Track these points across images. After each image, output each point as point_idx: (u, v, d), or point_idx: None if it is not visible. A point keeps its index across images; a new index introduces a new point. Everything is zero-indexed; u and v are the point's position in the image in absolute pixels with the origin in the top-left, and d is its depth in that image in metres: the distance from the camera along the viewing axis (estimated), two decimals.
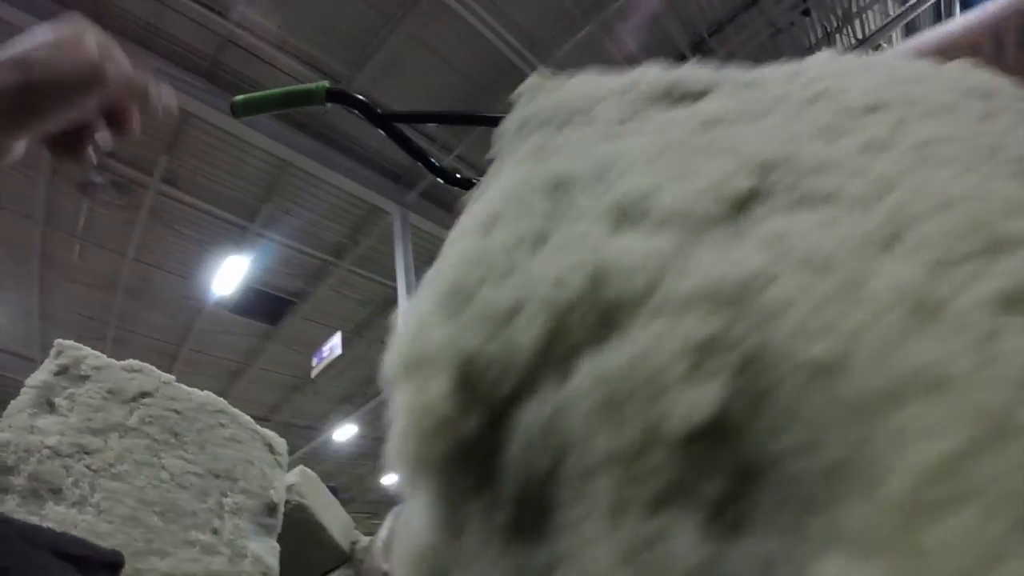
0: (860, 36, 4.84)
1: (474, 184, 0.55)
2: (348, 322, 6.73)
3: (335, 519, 1.98)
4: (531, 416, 0.28)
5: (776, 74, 0.40)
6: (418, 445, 0.29)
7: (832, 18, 4.66)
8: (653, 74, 0.41)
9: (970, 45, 0.87)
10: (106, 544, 0.43)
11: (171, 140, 4.88)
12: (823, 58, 0.42)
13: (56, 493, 0.45)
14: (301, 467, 2.10)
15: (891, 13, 4.77)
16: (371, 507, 10.13)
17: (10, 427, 0.46)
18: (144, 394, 0.51)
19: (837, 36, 4.76)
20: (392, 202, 5.16)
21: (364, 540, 2.05)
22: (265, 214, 5.54)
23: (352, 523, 2.29)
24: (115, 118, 0.53)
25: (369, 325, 6.83)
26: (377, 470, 10.15)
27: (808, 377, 0.22)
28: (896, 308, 0.22)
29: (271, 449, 0.55)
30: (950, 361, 0.21)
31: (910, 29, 4.71)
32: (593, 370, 0.26)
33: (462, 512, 0.30)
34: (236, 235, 5.77)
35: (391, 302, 5.71)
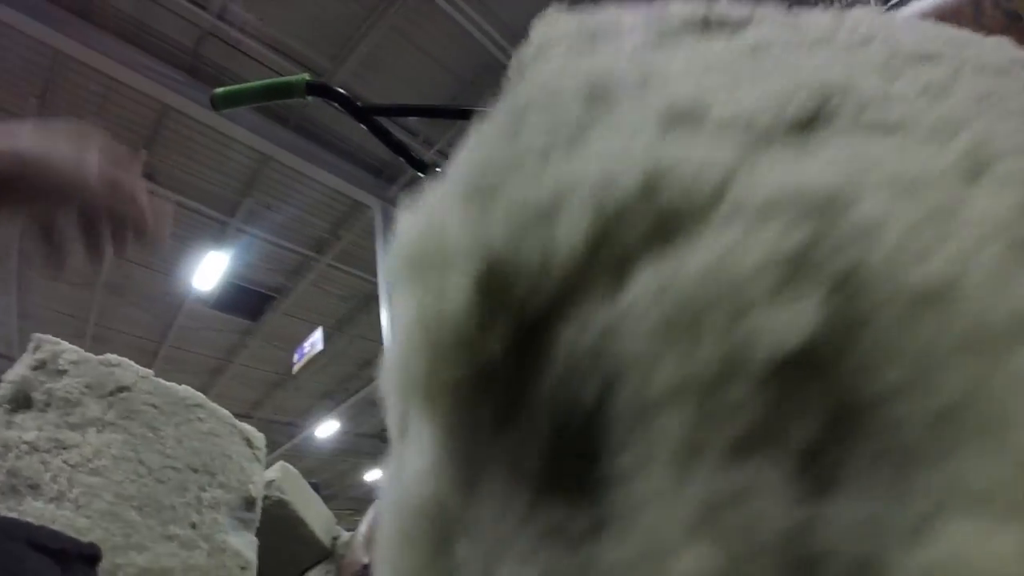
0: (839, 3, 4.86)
1: None
2: (329, 318, 6.70)
3: (316, 515, 1.98)
4: (573, 336, 0.22)
5: (818, 17, 0.36)
6: (429, 366, 0.24)
7: None
8: (685, 5, 0.36)
9: (952, 11, 0.89)
10: (84, 539, 0.44)
11: (151, 135, 4.84)
12: (863, 11, 0.38)
13: (34, 488, 0.45)
14: (282, 463, 2.10)
15: None
16: (353, 503, 10.11)
17: None
18: (122, 388, 0.51)
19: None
20: (373, 197, 5.15)
21: (345, 535, 2.05)
22: (245, 209, 5.50)
23: (333, 518, 2.29)
24: (108, 227, 0.53)
25: (350, 321, 6.81)
26: (359, 466, 10.13)
27: (913, 304, 0.19)
28: (996, 240, 0.19)
29: (249, 443, 0.55)
30: None
31: None
32: (656, 280, 0.21)
33: (478, 457, 0.25)
34: (216, 230, 5.73)
35: (372, 297, 5.70)
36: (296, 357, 6.75)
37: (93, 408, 0.52)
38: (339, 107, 1.20)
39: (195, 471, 0.51)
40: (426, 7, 4.10)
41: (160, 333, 6.97)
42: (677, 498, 0.19)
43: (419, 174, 1.20)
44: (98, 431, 0.50)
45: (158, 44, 4.27)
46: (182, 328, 6.89)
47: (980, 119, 0.25)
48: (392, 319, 0.28)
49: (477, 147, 0.29)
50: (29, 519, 0.42)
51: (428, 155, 4.76)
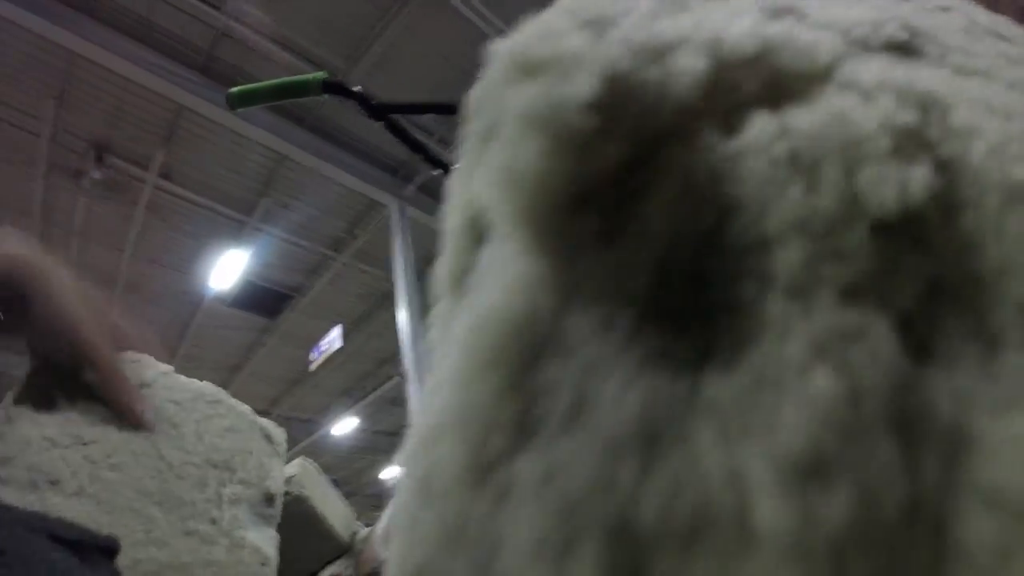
0: None
1: None
2: (347, 316, 6.73)
3: (335, 510, 1.99)
4: (691, 159, 0.22)
5: None
6: (541, 166, 0.22)
7: None
8: None
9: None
10: (103, 533, 0.44)
11: (167, 135, 4.87)
12: None
13: (55, 484, 0.45)
14: (301, 458, 2.11)
15: None
16: (371, 500, 10.15)
17: (8, 418, 0.46)
18: (142, 385, 0.51)
19: None
20: (390, 195, 5.16)
21: (364, 531, 2.06)
22: (263, 208, 5.53)
23: (352, 514, 2.30)
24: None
25: (368, 318, 6.83)
26: (376, 464, 10.17)
27: (1012, 197, 0.19)
28: None
29: (269, 439, 0.55)
30: None
31: None
32: (775, 124, 0.21)
33: (579, 276, 0.23)
34: (234, 229, 5.77)
35: (389, 295, 5.70)
36: (314, 355, 6.78)
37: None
38: (355, 105, 1.20)
39: (215, 467, 0.51)
40: (439, 6, 4.10)
41: (179, 331, 7.03)
42: (795, 327, 0.19)
43: (436, 172, 1.19)
44: (118, 427, 0.50)
45: (173, 45, 4.30)
46: (200, 326, 6.94)
47: None
48: (481, 133, 0.25)
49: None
50: (46, 512, 0.43)
51: (444, 153, 4.74)
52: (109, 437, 0.53)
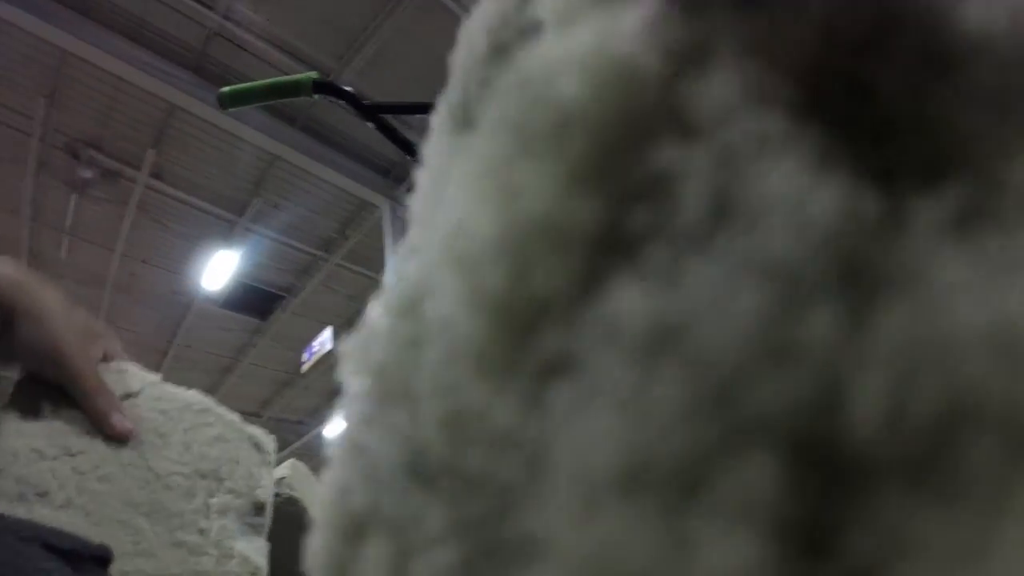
0: None
1: None
2: (338, 317, 6.71)
3: None
4: None
5: None
6: None
7: None
8: None
9: None
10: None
11: (158, 134, 4.85)
12: None
13: (43, 496, 0.45)
14: (292, 460, 2.10)
15: None
16: None
17: None
18: (129, 395, 0.50)
19: None
20: (381, 196, 5.15)
21: None
22: (254, 208, 5.51)
23: None
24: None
25: (359, 320, 6.80)
26: None
27: None
28: None
29: (258, 447, 0.54)
30: None
31: None
32: None
33: (712, 17, 0.16)
34: (225, 230, 5.75)
35: None
36: (305, 356, 6.76)
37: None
38: (346, 105, 1.20)
39: (203, 477, 0.51)
40: (432, 6, 4.09)
41: (169, 332, 7.00)
42: None
43: None
44: (106, 438, 0.50)
45: (165, 44, 4.28)
46: (191, 327, 6.91)
47: None
48: None
49: None
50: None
51: None
52: (97, 448, 0.52)
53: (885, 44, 0.15)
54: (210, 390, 0.62)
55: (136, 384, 0.57)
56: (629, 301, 0.13)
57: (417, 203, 0.25)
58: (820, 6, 0.15)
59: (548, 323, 0.14)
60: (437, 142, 0.25)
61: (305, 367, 6.82)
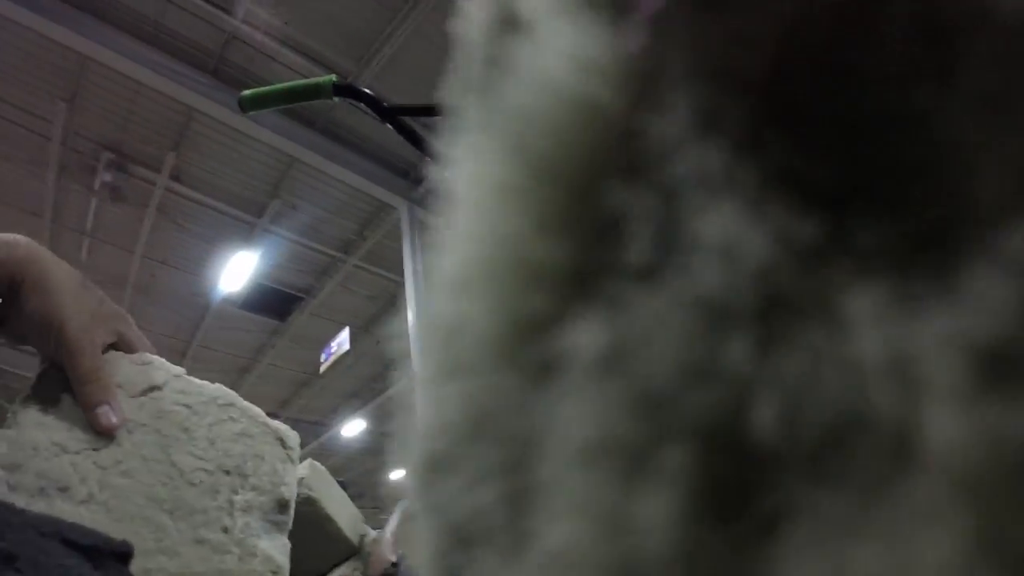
0: None
1: None
2: (356, 318, 6.73)
3: (344, 512, 1.98)
4: None
5: None
6: None
7: None
8: None
9: None
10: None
11: (178, 137, 4.88)
12: None
13: (64, 491, 0.44)
14: (310, 460, 2.10)
15: None
16: (379, 502, 10.15)
17: (18, 423, 0.45)
18: (154, 387, 0.50)
19: None
20: (400, 197, 5.15)
21: (372, 533, 2.06)
22: (273, 210, 5.54)
23: (361, 516, 2.29)
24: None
25: (377, 321, 6.82)
26: (385, 466, 10.17)
27: None
28: None
29: (283, 444, 0.53)
30: None
31: None
32: None
33: (668, 37, 0.17)
34: (244, 231, 5.77)
35: (399, 297, 5.70)
36: (323, 357, 6.78)
37: (124, 408, 0.51)
38: (366, 108, 1.20)
39: (227, 473, 0.50)
40: (448, 7, 4.08)
41: (189, 333, 7.04)
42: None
43: None
44: (129, 431, 0.49)
45: (183, 48, 4.31)
46: (210, 328, 6.95)
47: None
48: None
49: None
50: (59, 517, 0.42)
51: None
52: (119, 442, 0.51)
53: (872, 14, 0.15)
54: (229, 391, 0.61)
55: (160, 377, 0.56)
56: (587, 333, 0.16)
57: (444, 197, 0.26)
58: None
59: (534, 339, 0.18)
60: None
61: (323, 367, 6.84)
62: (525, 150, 0.17)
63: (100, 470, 0.50)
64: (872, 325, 0.14)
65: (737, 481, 0.15)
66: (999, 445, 0.12)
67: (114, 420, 0.52)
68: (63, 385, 0.51)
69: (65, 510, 0.47)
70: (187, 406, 0.56)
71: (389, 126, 1.19)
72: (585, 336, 0.16)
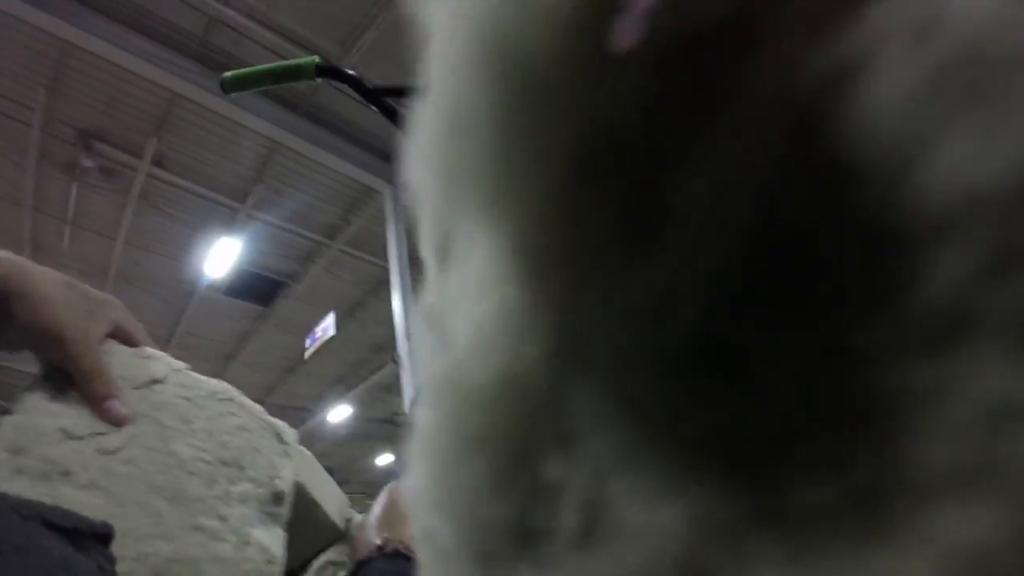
0: None
1: None
2: (341, 303, 6.72)
3: (330, 497, 2.00)
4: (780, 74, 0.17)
5: None
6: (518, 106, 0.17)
7: None
8: None
9: None
10: (116, 527, 0.44)
11: (160, 122, 4.84)
12: None
13: (66, 475, 0.46)
14: (297, 446, 2.12)
15: None
16: (365, 487, 10.17)
17: (24, 409, 0.47)
18: (155, 381, 0.51)
19: None
20: (383, 182, 5.14)
21: (358, 517, 2.07)
22: (256, 195, 5.51)
23: (347, 501, 2.31)
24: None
25: (362, 305, 6.82)
26: (371, 451, 10.19)
27: None
28: None
29: (279, 438, 0.55)
30: None
31: None
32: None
33: (586, 298, 0.17)
34: (227, 217, 5.74)
35: (384, 282, 5.70)
36: (308, 342, 6.77)
37: (126, 398, 0.52)
38: (349, 89, 1.19)
39: (225, 464, 0.51)
40: None
41: (172, 320, 7.01)
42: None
43: None
44: (131, 421, 0.51)
45: (165, 32, 4.27)
46: (194, 315, 6.92)
47: None
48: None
49: None
50: (64, 506, 0.43)
51: None
52: (123, 431, 0.53)
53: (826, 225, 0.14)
54: (214, 377, 0.63)
55: (162, 371, 0.58)
56: None
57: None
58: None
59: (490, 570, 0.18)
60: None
61: (308, 353, 6.83)
62: (463, 423, 0.18)
63: (102, 457, 0.51)
64: None
65: None
66: None
67: (124, 411, 0.53)
68: (68, 375, 0.53)
69: (67, 494, 0.49)
70: (187, 399, 0.58)
71: (373, 107, 1.18)
72: None
